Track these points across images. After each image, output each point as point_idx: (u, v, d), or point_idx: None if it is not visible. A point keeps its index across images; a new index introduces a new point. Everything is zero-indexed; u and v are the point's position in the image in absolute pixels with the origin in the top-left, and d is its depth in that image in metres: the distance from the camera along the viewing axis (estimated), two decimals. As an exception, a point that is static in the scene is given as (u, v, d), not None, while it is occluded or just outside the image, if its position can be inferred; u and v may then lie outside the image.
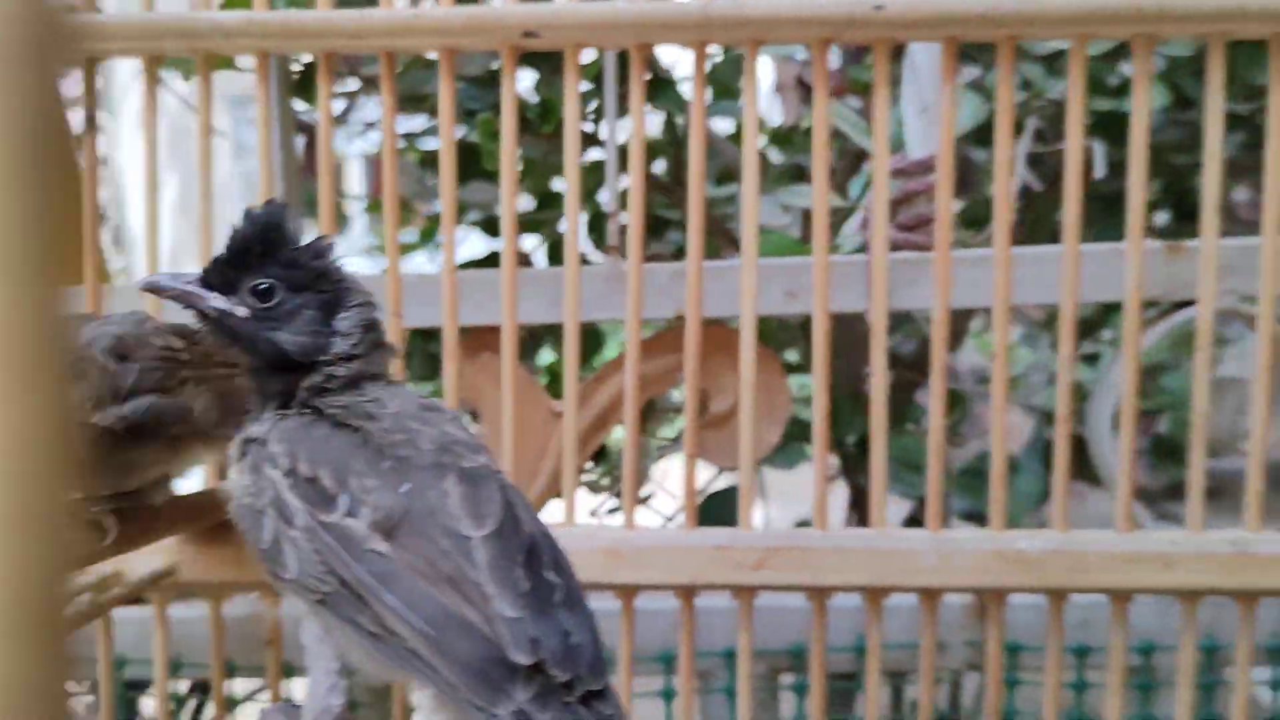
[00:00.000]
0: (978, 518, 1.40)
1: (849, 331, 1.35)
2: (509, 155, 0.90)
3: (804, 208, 1.24)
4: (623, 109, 1.31)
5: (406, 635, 0.45)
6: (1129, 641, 1.00)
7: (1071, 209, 0.87)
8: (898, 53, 1.09)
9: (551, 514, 1.02)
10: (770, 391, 1.03)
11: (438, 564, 0.46)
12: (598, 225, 1.44)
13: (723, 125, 1.63)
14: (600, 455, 1.26)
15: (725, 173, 1.44)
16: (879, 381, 0.91)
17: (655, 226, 1.45)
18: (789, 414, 1.03)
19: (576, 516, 0.96)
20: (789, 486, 1.55)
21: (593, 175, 1.39)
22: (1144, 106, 0.85)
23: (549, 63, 1.20)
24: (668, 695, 1.00)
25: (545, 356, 1.45)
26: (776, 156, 1.53)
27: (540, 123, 1.07)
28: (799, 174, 1.41)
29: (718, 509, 1.25)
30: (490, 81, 1.22)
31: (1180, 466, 1.31)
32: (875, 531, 0.91)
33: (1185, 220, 1.35)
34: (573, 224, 0.91)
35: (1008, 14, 0.83)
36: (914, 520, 1.39)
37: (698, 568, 0.91)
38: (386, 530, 0.48)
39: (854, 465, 1.39)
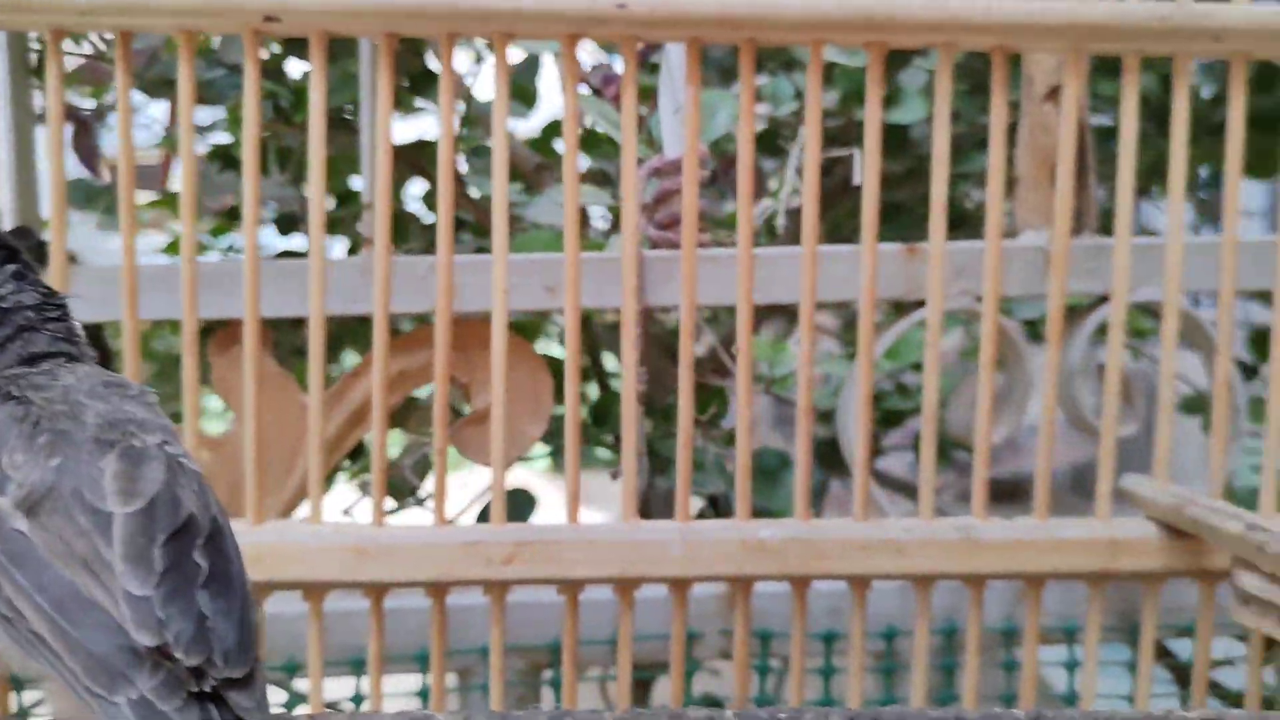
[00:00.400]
0: (765, 514, 1.44)
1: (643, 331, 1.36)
2: (251, 146, 0.87)
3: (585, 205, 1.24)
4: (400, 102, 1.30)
5: (31, 618, 0.43)
6: (873, 627, 1.04)
7: (809, 211, 0.90)
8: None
9: (302, 511, 1.00)
10: (534, 387, 1.03)
11: (73, 543, 0.44)
12: (401, 223, 1.41)
13: (519, 125, 1.63)
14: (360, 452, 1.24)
15: (513, 172, 1.43)
16: (630, 377, 0.92)
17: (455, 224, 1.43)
18: (551, 411, 1.03)
19: (329, 514, 0.94)
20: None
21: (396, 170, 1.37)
22: (875, 115, 0.88)
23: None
24: (424, 694, 0.99)
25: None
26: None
27: (293, 112, 1.04)
28: (593, 174, 1.42)
29: (510, 509, 1.25)
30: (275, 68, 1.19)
31: (943, 462, 1.38)
32: (624, 524, 0.92)
33: (951, 227, 1.41)
34: (318, 215, 0.89)
35: (745, 17, 0.85)
36: (704, 517, 1.41)
37: (447, 564, 0.90)
38: (29, 507, 0.45)
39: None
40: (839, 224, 1.61)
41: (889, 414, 1.39)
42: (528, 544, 0.90)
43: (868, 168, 0.89)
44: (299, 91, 1.07)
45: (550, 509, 1.00)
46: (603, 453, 1.39)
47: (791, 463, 1.34)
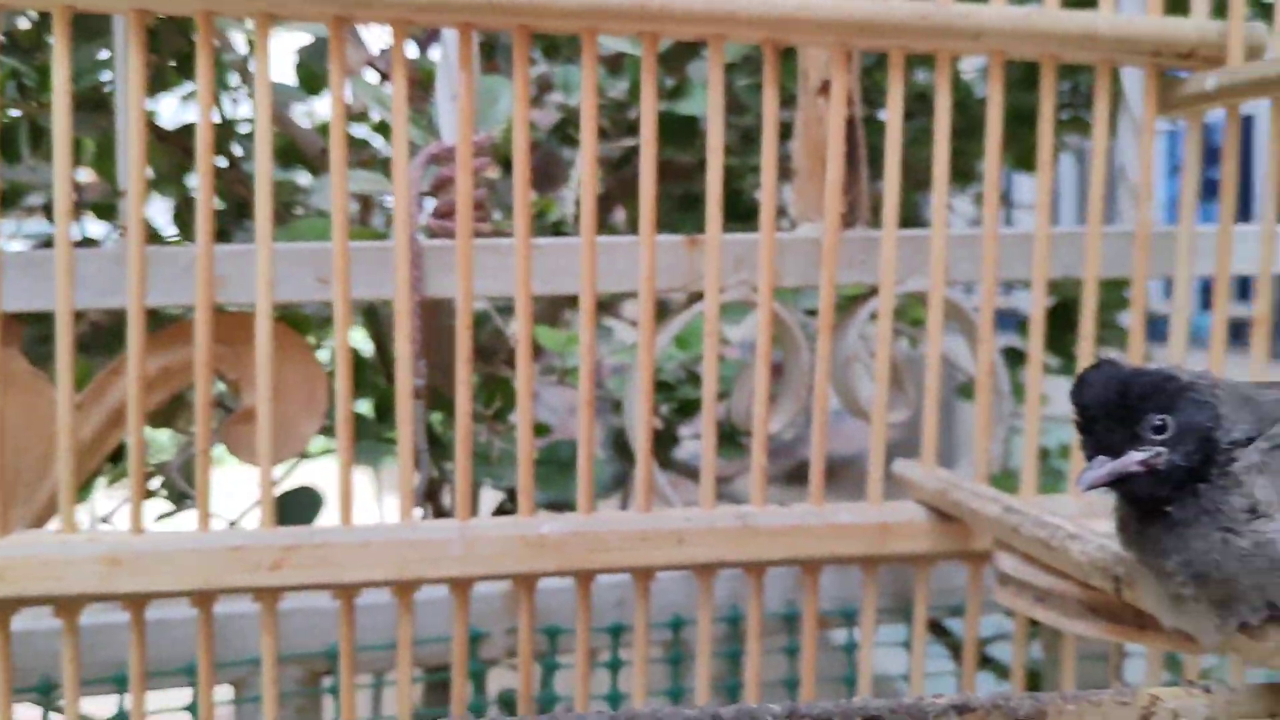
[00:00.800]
0: (560, 506, 1.43)
1: (430, 323, 1.33)
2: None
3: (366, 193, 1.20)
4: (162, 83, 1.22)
5: None
6: (659, 618, 1.04)
7: (588, 201, 0.89)
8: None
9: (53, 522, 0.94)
10: (308, 382, 0.99)
11: None
12: (184, 211, 1.34)
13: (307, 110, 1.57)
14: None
15: (297, 157, 1.38)
16: (404, 372, 0.89)
17: (238, 210, 1.37)
18: (326, 407, 0.99)
19: (85, 522, 0.88)
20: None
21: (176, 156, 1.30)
22: (651, 105, 0.88)
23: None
24: (193, 709, 0.94)
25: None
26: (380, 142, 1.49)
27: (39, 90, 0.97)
28: (379, 161, 1.38)
29: (294, 509, 1.20)
30: (32, 45, 1.10)
31: (736, 450, 1.40)
32: (400, 524, 0.89)
33: (741, 219, 1.43)
34: (64, 202, 0.83)
35: (518, 3, 0.83)
36: (502, 510, 1.39)
37: (210, 571, 0.85)
38: None
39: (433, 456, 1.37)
40: (659, 202, 1.61)
41: (685, 403, 1.40)
42: (297, 548, 0.86)
43: (644, 158, 0.88)
44: (41, 70, 0.99)
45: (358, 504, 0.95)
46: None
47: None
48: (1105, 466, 0.58)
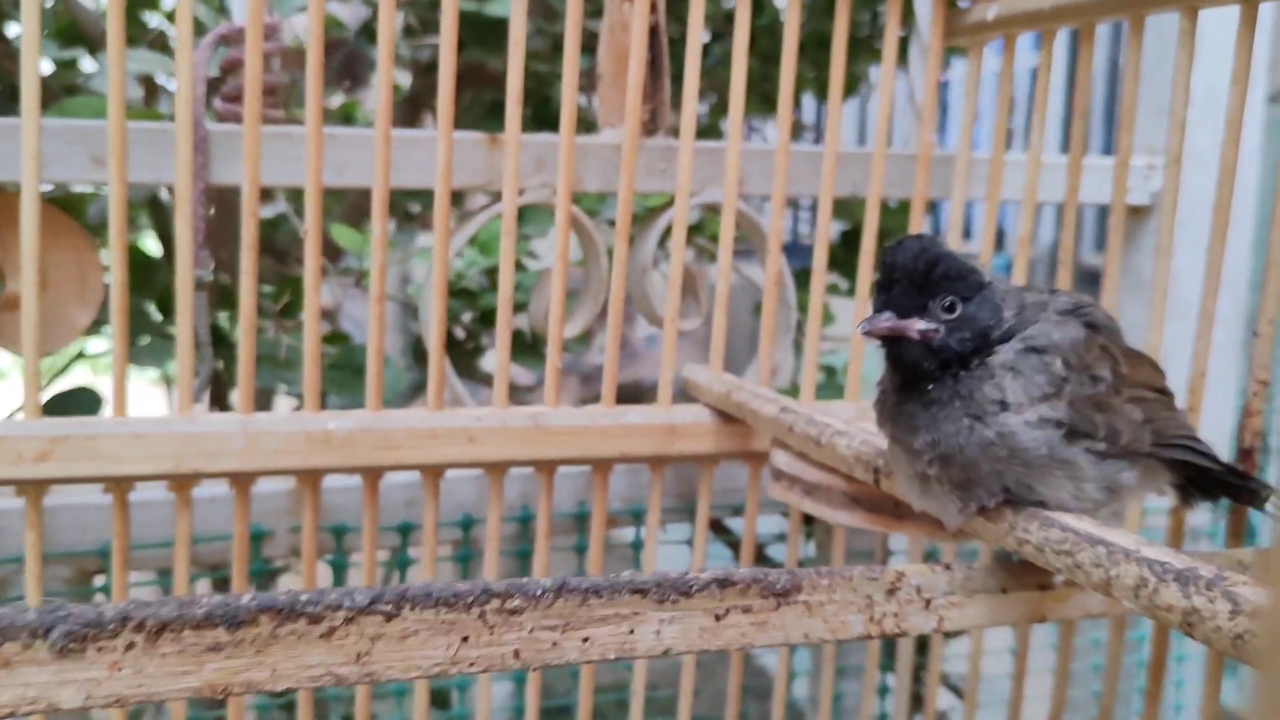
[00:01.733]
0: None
1: (223, 218, 1.28)
2: None
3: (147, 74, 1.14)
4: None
5: None
6: (450, 516, 1.05)
7: (384, 94, 0.87)
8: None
9: None
10: (80, 269, 0.94)
11: None
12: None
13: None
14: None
15: (79, 37, 1.29)
16: (184, 260, 0.85)
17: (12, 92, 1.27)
18: (102, 296, 0.94)
19: None
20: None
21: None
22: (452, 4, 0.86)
23: None
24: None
25: None
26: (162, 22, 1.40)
27: None
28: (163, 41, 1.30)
29: (70, 409, 1.14)
30: None
31: (537, 360, 1.40)
32: (179, 416, 0.86)
33: (552, 126, 1.43)
34: None
35: (311, -125, 0.80)
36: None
37: (-34, 462, 0.81)
38: None
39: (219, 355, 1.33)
40: (469, 109, 1.59)
41: (488, 312, 1.40)
42: (66, 439, 0.82)
43: (443, 49, 0.87)
44: None
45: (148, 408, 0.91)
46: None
47: (388, 361, 1.32)
48: (889, 321, 0.61)
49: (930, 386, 0.62)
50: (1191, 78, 0.80)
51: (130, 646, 0.49)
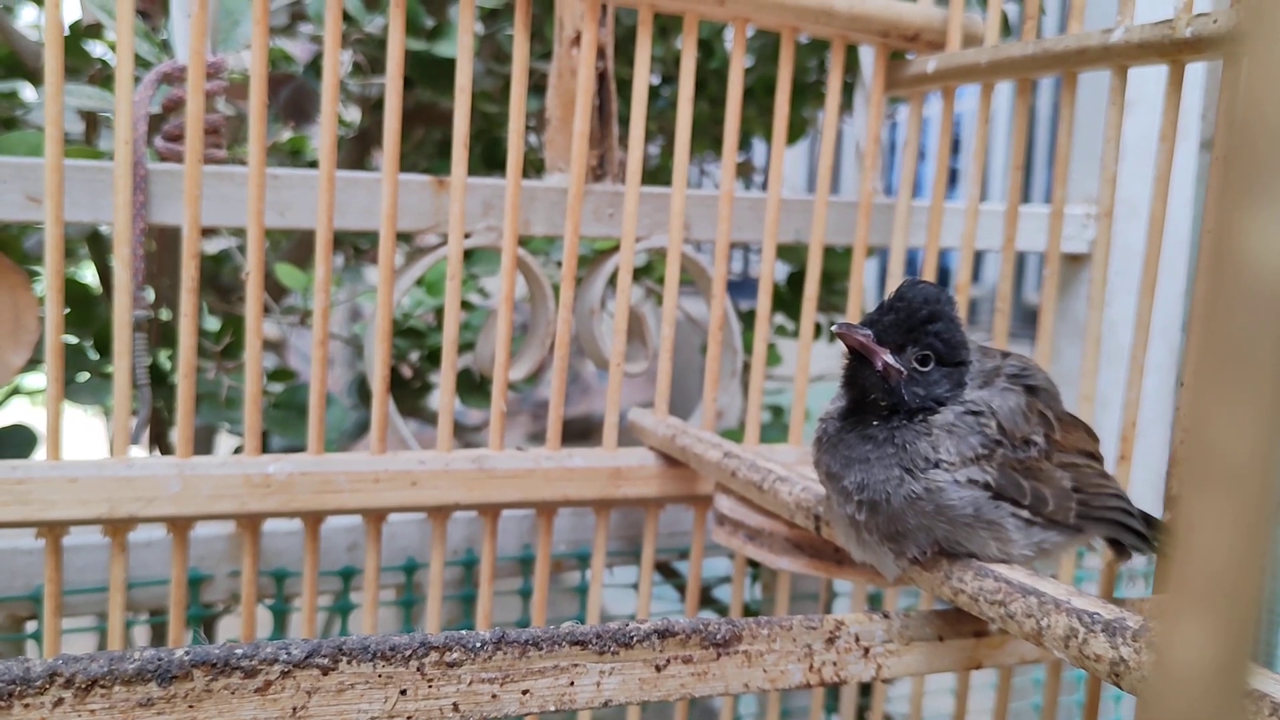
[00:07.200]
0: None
1: (165, 256, 1.26)
2: None
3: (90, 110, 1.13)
4: None
5: None
6: (394, 560, 1.04)
7: (327, 135, 0.87)
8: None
9: None
10: (14, 309, 0.92)
11: None
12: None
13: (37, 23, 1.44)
14: None
15: (19, 69, 1.27)
16: (122, 301, 0.84)
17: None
18: (38, 335, 0.92)
19: None
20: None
21: None
22: (399, 35, 0.86)
23: None
24: None
25: None
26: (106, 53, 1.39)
27: None
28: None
29: (4, 447, 1.12)
30: None
31: (484, 400, 1.40)
32: (112, 460, 0.85)
33: (501, 168, 1.43)
34: None
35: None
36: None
37: (-107, 507, 0.79)
38: None
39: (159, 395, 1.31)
40: (420, 146, 1.58)
41: (435, 351, 1.39)
42: (-4, 483, 0.81)
43: (390, 89, 0.87)
44: None
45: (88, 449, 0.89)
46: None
47: (333, 400, 1.31)
48: (864, 337, 0.62)
49: (875, 423, 0.63)
50: (1126, 129, 0.82)
51: (59, 703, 0.48)
